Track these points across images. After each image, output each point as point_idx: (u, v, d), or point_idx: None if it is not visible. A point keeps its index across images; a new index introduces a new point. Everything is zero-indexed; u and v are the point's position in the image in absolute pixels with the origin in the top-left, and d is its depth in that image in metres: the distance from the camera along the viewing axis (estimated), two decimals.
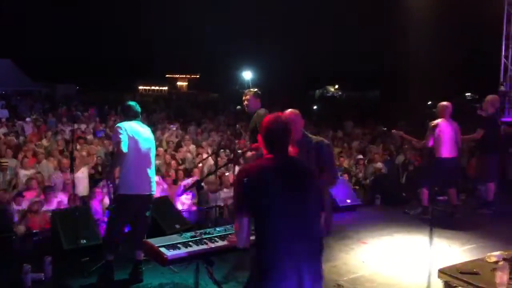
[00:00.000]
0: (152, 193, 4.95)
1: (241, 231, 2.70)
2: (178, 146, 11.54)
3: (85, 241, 5.48)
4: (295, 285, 2.59)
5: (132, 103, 5.03)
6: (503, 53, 11.08)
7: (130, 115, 4.92)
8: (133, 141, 4.72)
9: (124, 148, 4.57)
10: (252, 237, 2.72)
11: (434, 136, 7.10)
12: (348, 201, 7.91)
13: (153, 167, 4.96)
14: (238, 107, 5.83)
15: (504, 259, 3.48)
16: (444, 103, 7.32)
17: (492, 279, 3.32)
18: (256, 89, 5.71)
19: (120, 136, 4.62)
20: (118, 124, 4.83)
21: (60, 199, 7.11)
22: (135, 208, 4.82)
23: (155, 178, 5.10)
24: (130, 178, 4.71)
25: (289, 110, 4.06)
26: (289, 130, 2.86)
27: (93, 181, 8.26)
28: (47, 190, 7.08)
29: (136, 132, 4.78)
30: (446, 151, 7.08)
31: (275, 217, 2.64)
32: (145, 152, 4.82)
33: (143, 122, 5.08)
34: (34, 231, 6.13)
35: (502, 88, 10.96)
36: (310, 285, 2.64)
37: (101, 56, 52.22)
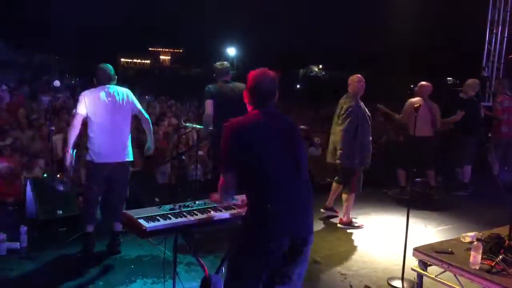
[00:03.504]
0: (127, 159, 4.73)
1: (227, 185, 2.72)
2: (159, 119, 11.38)
3: (61, 211, 5.38)
4: (291, 232, 2.67)
5: (104, 65, 4.70)
6: (487, 38, 11.12)
7: (102, 79, 4.64)
8: (98, 109, 4.52)
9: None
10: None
11: (411, 114, 7.10)
12: (328, 179, 7.94)
13: (127, 133, 4.72)
14: None
15: (478, 240, 3.53)
16: (424, 83, 7.41)
17: (465, 259, 3.38)
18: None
19: (77, 105, 4.54)
20: (82, 93, 4.61)
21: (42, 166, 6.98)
22: (106, 176, 4.64)
23: (129, 145, 4.79)
24: (97, 146, 4.55)
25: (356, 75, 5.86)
26: (276, 84, 2.84)
27: None
28: (30, 158, 6.96)
29: (102, 98, 4.54)
30: (418, 130, 7.05)
31: (270, 168, 2.66)
32: (115, 118, 4.57)
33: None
34: (10, 200, 6.01)
35: (484, 73, 11.04)
36: (305, 234, 2.73)
37: (81, 25, 50.83)
